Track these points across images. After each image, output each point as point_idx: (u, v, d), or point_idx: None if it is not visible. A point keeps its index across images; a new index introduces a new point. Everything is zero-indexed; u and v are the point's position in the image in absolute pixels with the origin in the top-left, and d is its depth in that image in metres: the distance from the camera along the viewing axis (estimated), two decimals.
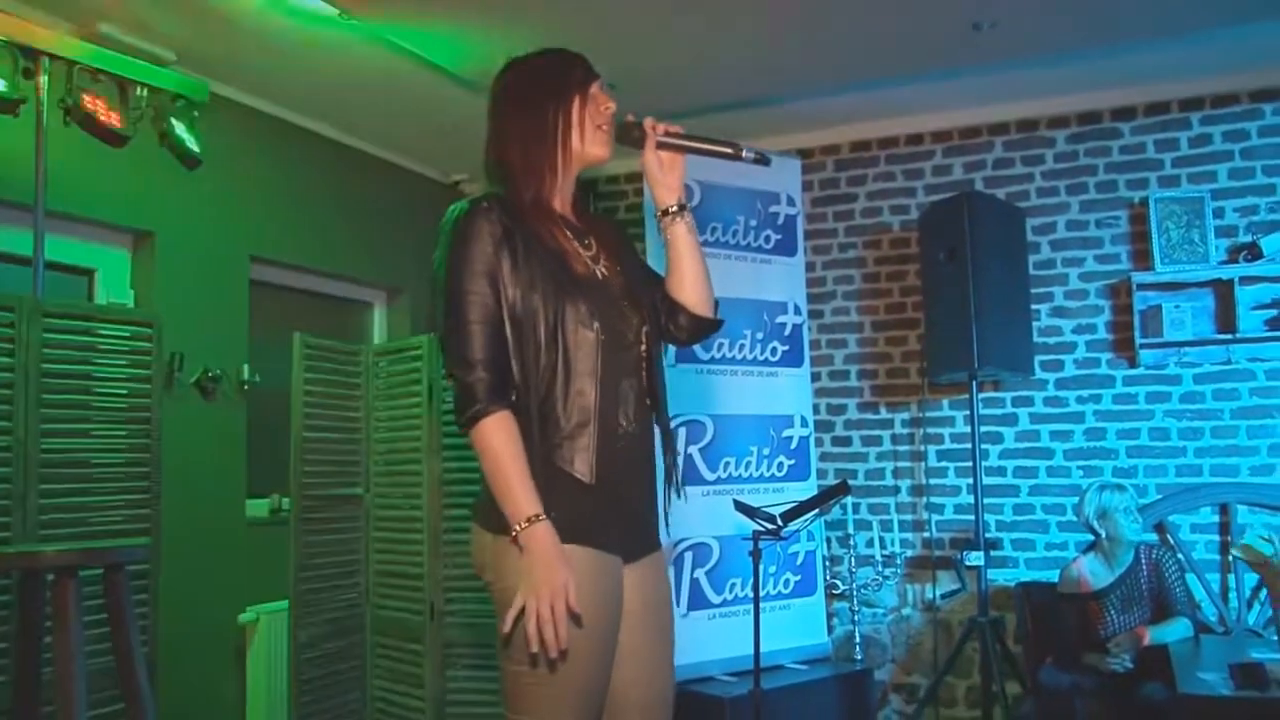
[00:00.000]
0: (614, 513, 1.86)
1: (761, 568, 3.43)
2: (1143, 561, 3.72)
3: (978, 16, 3.63)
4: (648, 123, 1.97)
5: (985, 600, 4.18)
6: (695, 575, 3.97)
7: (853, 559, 4.51)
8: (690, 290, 2.00)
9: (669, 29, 3.72)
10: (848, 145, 4.99)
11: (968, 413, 4.42)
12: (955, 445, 4.70)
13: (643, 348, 1.93)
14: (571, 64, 1.97)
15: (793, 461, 4.25)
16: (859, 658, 4.41)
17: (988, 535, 4.39)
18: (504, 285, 1.81)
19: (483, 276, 1.81)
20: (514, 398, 1.81)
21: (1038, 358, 4.51)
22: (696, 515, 3.93)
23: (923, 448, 4.76)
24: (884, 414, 4.86)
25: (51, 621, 2.38)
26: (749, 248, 4.26)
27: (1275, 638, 3.28)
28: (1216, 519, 4.26)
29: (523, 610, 1.72)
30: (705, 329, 2.05)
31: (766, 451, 4.18)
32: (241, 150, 4.21)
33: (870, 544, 4.54)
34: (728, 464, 4.08)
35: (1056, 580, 3.88)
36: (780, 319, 4.29)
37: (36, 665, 2.52)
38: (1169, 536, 4.25)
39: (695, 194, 4.03)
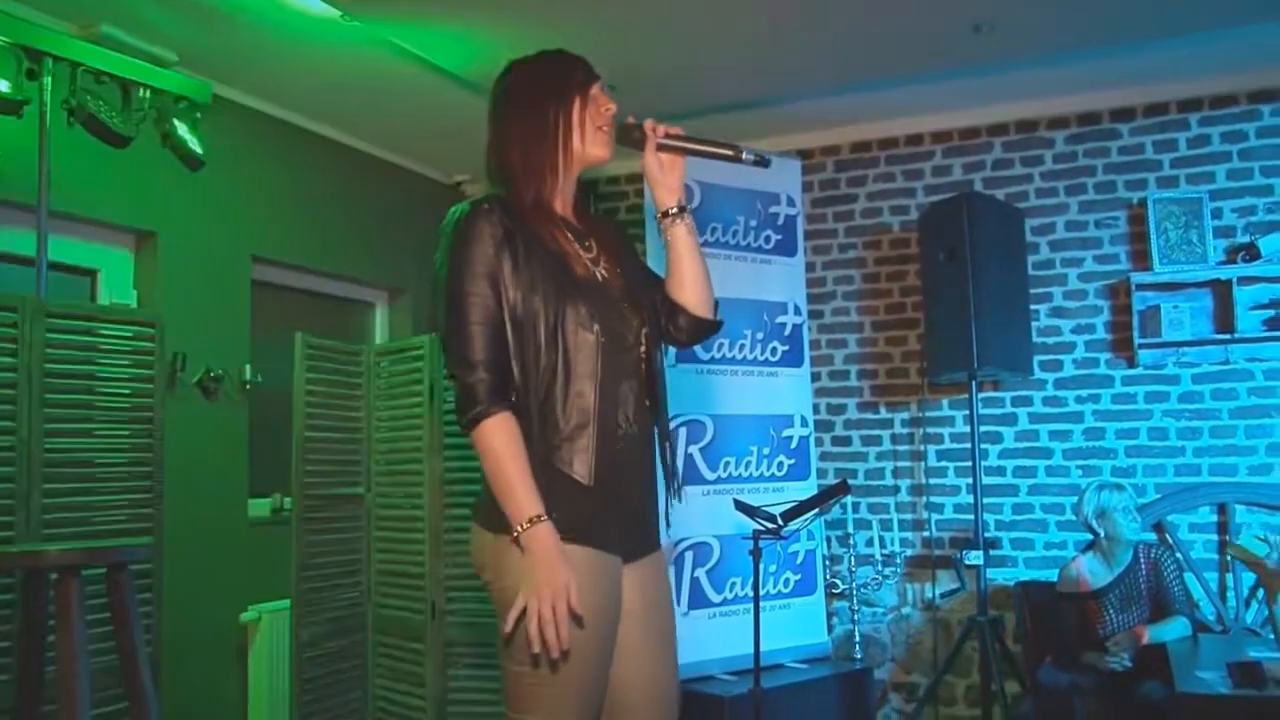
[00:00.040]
0: (613, 513, 1.87)
1: (761, 567, 3.43)
2: (1141, 561, 3.73)
3: (978, 17, 3.64)
4: (648, 124, 1.98)
5: (984, 599, 4.20)
6: (696, 574, 3.98)
7: (852, 558, 4.52)
8: (690, 291, 2.01)
9: (669, 29, 3.73)
10: (848, 146, 5.00)
11: (967, 412, 4.43)
12: (955, 445, 4.71)
13: (642, 349, 1.94)
14: (572, 66, 1.98)
15: (793, 461, 4.26)
16: (859, 657, 4.42)
17: (987, 535, 4.40)
18: (505, 287, 1.82)
19: (483, 278, 1.82)
20: (514, 398, 1.82)
21: (1037, 358, 4.52)
22: (697, 515, 3.94)
23: (922, 447, 4.78)
24: (884, 414, 4.88)
25: (55, 621, 2.39)
26: (749, 248, 4.27)
27: (1273, 636, 3.29)
28: (1215, 518, 4.27)
29: (524, 611, 1.73)
30: (705, 330, 2.06)
31: (767, 451, 4.19)
32: (244, 151, 4.22)
33: (870, 543, 4.55)
34: (728, 463, 4.09)
35: (1055, 579, 3.89)
36: (780, 319, 4.30)
37: (40, 664, 2.53)
38: (1167, 536, 4.26)
39: (695, 194, 4.05)
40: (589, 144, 1.95)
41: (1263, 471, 4.22)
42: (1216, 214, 4.31)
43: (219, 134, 3.79)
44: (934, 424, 4.77)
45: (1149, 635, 3.55)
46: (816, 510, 3.55)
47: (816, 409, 4.79)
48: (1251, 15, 3.66)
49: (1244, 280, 4.16)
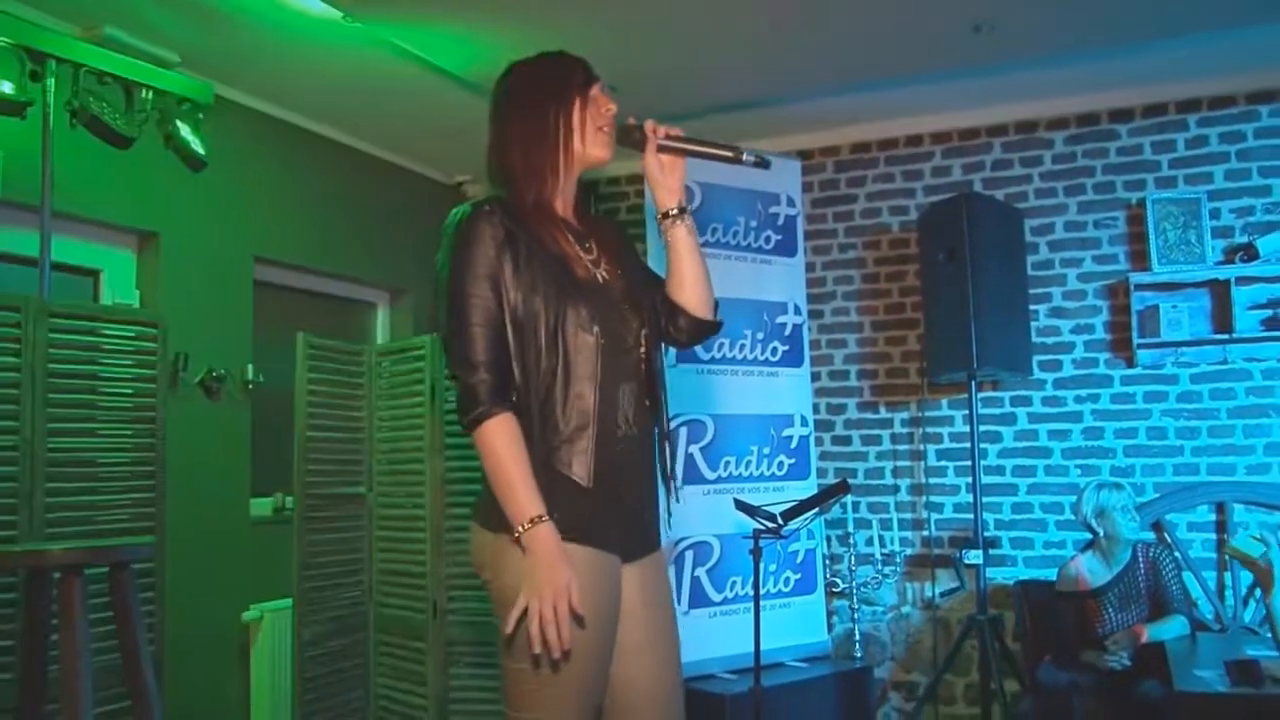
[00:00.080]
0: (613, 514, 1.88)
1: (762, 566, 3.44)
2: (1140, 560, 3.74)
3: (977, 18, 3.65)
4: (649, 125, 1.99)
5: (984, 598, 4.21)
6: (696, 573, 3.99)
7: (852, 557, 4.53)
8: (690, 292, 2.02)
9: (669, 30, 3.74)
10: (847, 146, 5.01)
11: (967, 412, 4.44)
12: (954, 444, 4.72)
13: (642, 350, 1.94)
14: (572, 67, 1.99)
15: (793, 460, 4.26)
16: (859, 655, 4.43)
17: (986, 534, 4.42)
18: (506, 288, 1.83)
19: (485, 279, 1.83)
20: (515, 399, 1.83)
21: (1036, 357, 4.54)
22: (697, 514, 3.95)
23: (922, 447, 4.79)
24: (883, 413, 4.89)
25: (58, 619, 2.39)
26: (749, 248, 4.28)
27: (1270, 635, 3.30)
28: (1213, 517, 4.28)
29: (525, 611, 1.74)
30: (705, 331, 2.06)
31: (767, 451, 4.20)
32: (246, 152, 4.24)
33: (870, 542, 4.57)
34: (728, 463, 4.10)
35: (1055, 578, 3.90)
36: (780, 319, 4.31)
37: (43, 663, 2.53)
38: (1166, 535, 4.27)
39: (696, 195, 4.06)
40: (589, 145, 1.96)
41: (1261, 471, 4.23)
42: (1215, 214, 4.32)
43: (221, 135, 3.80)
44: (933, 424, 4.78)
45: (1147, 634, 3.56)
46: (816, 510, 3.56)
47: (816, 409, 4.81)
48: (1250, 16, 3.67)
49: (1242, 280, 4.18)
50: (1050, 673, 3.72)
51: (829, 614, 4.60)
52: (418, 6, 3.50)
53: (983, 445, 4.54)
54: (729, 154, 1.97)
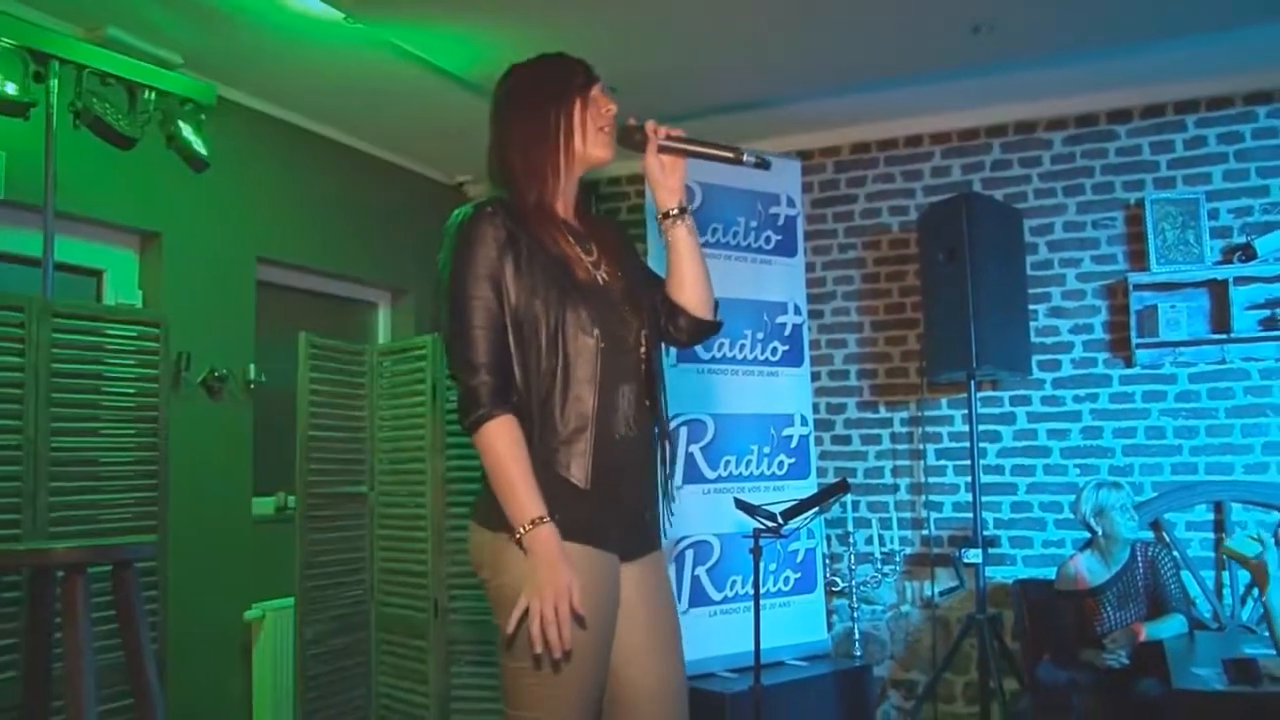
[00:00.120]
0: (611, 514, 1.88)
1: (762, 565, 3.45)
2: (1139, 559, 3.76)
3: (977, 18, 3.66)
4: (649, 126, 2.00)
5: (983, 597, 4.22)
6: (696, 572, 4.00)
7: (852, 556, 4.54)
8: (690, 292, 2.03)
9: (669, 31, 3.75)
10: (847, 147, 5.02)
11: (966, 412, 4.46)
12: (953, 444, 4.73)
13: (642, 350, 1.95)
14: (572, 68, 2.00)
15: (793, 460, 4.28)
16: (858, 654, 4.43)
17: (986, 533, 4.43)
18: (507, 289, 1.84)
19: (486, 281, 1.83)
20: (516, 400, 1.84)
21: (1035, 357, 4.55)
22: (697, 513, 3.96)
23: (921, 446, 4.80)
24: (883, 413, 4.90)
25: (61, 618, 2.39)
26: (749, 248, 4.29)
27: (1268, 634, 3.31)
28: (1211, 517, 4.29)
29: (526, 611, 1.75)
30: (705, 331, 2.07)
31: (767, 450, 4.21)
32: (248, 153, 4.25)
33: (869, 541, 4.58)
34: (728, 462, 4.11)
35: (1054, 577, 3.92)
36: (780, 319, 4.32)
37: (47, 661, 2.54)
38: (1164, 534, 4.28)
39: (696, 195, 4.07)
40: (590, 145, 1.97)
41: (1258, 470, 4.24)
42: (1213, 214, 4.33)
43: (223, 135, 3.81)
44: (933, 423, 4.79)
45: (1146, 632, 3.57)
46: (816, 509, 3.57)
47: (816, 408, 4.82)
48: (1249, 17, 3.68)
49: (1240, 280, 4.19)
50: (1049, 671, 3.74)
51: (829, 613, 4.61)
52: (418, 7, 3.51)
53: (982, 444, 4.55)
54: (729, 154, 1.98)
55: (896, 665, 4.79)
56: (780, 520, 3.46)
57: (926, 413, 4.79)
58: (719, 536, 4.03)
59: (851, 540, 4.61)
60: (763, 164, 2.00)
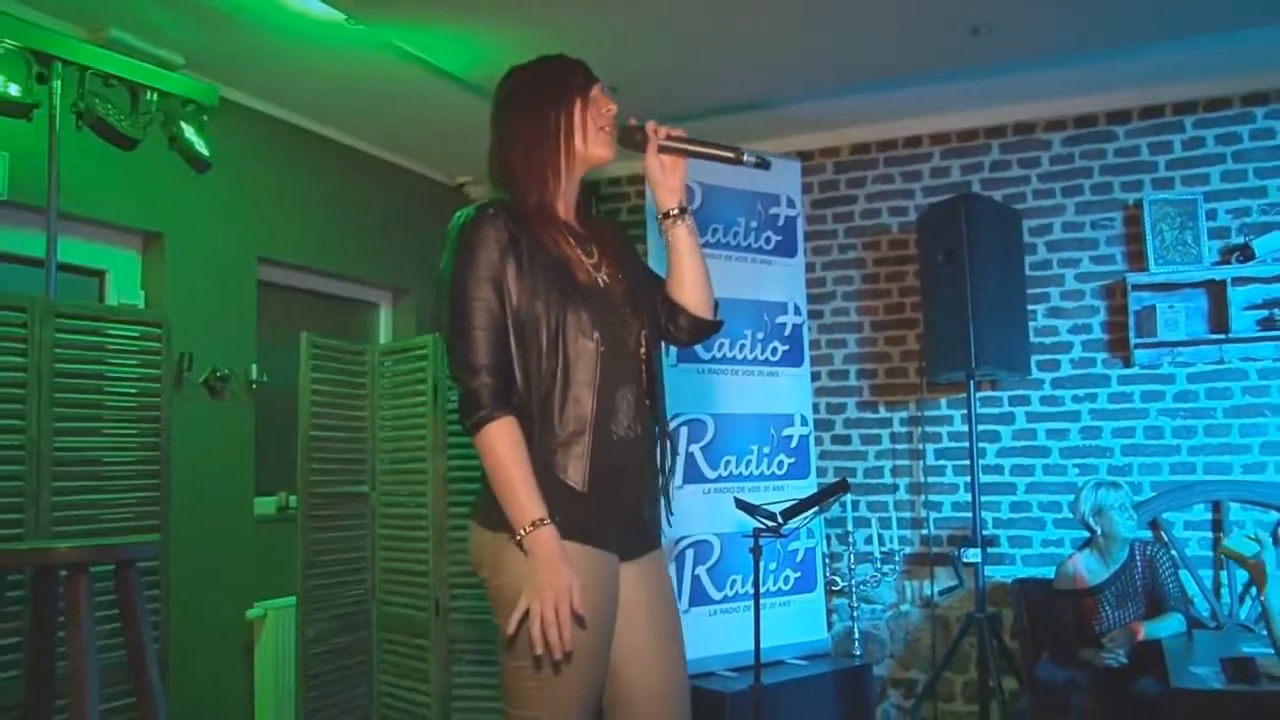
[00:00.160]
0: (611, 515, 1.89)
1: (762, 564, 3.46)
2: (1137, 558, 3.77)
3: (976, 19, 3.67)
4: (650, 126, 2.00)
5: (982, 596, 4.24)
6: (696, 572, 4.01)
7: (852, 556, 4.55)
8: (690, 292, 2.03)
9: (669, 31, 3.76)
10: (847, 148, 5.03)
11: (965, 412, 4.47)
12: (953, 444, 4.74)
13: (643, 351, 1.95)
14: (571, 69, 2.00)
15: (793, 460, 4.28)
16: (858, 653, 4.44)
17: (985, 532, 4.44)
18: (508, 291, 1.85)
19: (487, 282, 1.84)
20: (516, 402, 1.85)
21: (1034, 357, 4.56)
22: (697, 513, 3.97)
23: (921, 446, 4.81)
24: (883, 413, 4.91)
25: (64, 617, 2.40)
26: (749, 249, 4.30)
27: (1266, 632, 3.32)
28: (1209, 516, 4.30)
29: (527, 612, 1.76)
30: (705, 330, 2.08)
31: (767, 450, 4.22)
32: (250, 153, 4.26)
33: (869, 541, 4.59)
34: (728, 462, 4.12)
35: (1053, 577, 3.93)
36: (780, 319, 4.33)
37: (50, 660, 2.55)
38: (1163, 533, 4.29)
39: (696, 195, 4.08)
40: (591, 145, 1.98)
41: (1256, 470, 4.25)
42: (1211, 215, 4.34)
43: (225, 136, 3.82)
44: (932, 423, 4.80)
45: (1145, 631, 3.59)
46: (816, 508, 3.58)
47: (816, 408, 4.83)
48: (1247, 18, 3.69)
49: (1238, 281, 4.20)
50: (1048, 670, 3.75)
51: (828, 612, 4.62)
52: (419, 8, 3.52)
53: (981, 444, 4.56)
54: (730, 155, 1.98)
55: (896, 664, 4.80)
56: (780, 520, 3.47)
57: (926, 413, 4.80)
58: (719, 536, 4.04)
59: (851, 540, 4.62)
60: (763, 164, 2.00)
